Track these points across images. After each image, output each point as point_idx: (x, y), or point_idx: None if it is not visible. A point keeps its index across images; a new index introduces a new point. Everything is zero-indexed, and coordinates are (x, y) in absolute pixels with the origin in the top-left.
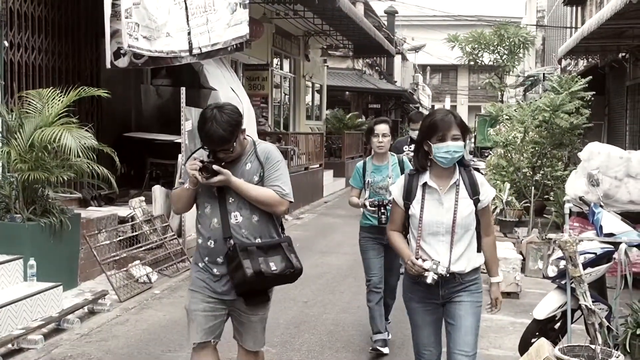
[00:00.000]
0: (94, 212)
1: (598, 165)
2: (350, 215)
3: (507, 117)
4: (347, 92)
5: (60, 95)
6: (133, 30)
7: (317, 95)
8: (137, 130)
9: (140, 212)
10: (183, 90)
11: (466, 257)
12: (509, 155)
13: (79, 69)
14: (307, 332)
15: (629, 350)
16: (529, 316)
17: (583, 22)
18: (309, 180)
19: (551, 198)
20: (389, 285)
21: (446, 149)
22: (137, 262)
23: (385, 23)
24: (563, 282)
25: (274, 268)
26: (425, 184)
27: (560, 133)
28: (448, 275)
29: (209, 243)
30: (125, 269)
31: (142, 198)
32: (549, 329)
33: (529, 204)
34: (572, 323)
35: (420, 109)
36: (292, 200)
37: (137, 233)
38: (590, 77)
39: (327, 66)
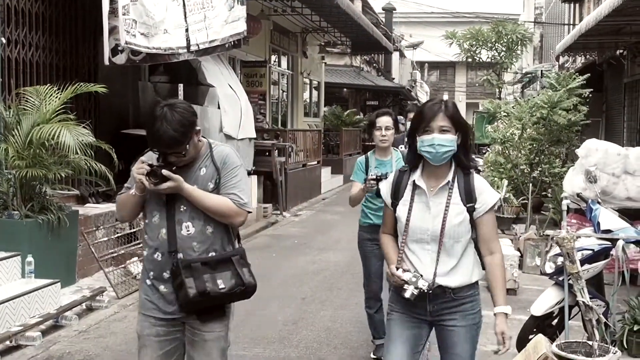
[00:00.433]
0: (91, 209)
1: (596, 162)
2: (348, 212)
3: (505, 114)
4: (345, 89)
5: (58, 92)
6: (130, 27)
7: (314, 92)
8: (134, 127)
9: None
10: (181, 87)
11: (459, 271)
12: (507, 152)
13: (76, 66)
14: (305, 328)
15: (626, 347)
16: (527, 313)
17: (581, 19)
18: (306, 177)
19: (549, 195)
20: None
21: (430, 142)
22: (135, 258)
23: (383, 20)
24: (561, 278)
25: (222, 286)
26: (414, 183)
27: (558, 130)
28: (430, 291)
29: (155, 256)
30: (123, 265)
31: None
32: (546, 325)
33: (526, 201)
34: (569, 319)
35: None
36: (251, 210)
37: (134, 230)
38: (588, 74)
39: (325, 63)
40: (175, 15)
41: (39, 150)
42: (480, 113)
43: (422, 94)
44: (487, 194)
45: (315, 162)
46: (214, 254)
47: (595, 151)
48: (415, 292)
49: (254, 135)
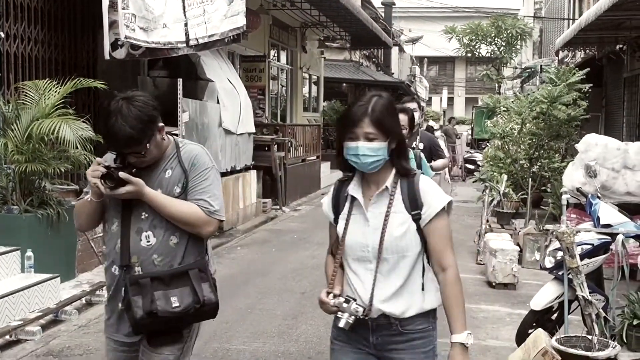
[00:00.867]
0: None
1: (595, 157)
2: None
3: (505, 109)
4: (344, 84)
5: (57, 87)
6: (130, 22)
7: (314, 87)
8: None
9: None
10: (180, 81)
11: (405, 295)
12: (506, 147)
13: (75, 61)
14: (304, 323)
15: (625, 341)
16: (526, 307)
17: (580, 14)
18: (306, 172)
19: (548, 190)
20: None
21: (354, 151)
22: None
23: (383, 14)
24: (560, 273)
25: (175, 305)
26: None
27: (557, 125)
28: (366, 317)
29: (113, 269)
30: None
31: None
32: (546, 319)
33: (526, 196)
34: (569, 314)
35: (420, 104)
36: (223, 218)
37: None
38: (588, 69)
39: (324, 58)
40: (175, 10)
41: (38, 145)
42: (480, 108)
43: (422, 89)
44: (434, 197)
45: (315, 157)
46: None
47: (594, 146)
48: (351, 320)
49: (253, 130)
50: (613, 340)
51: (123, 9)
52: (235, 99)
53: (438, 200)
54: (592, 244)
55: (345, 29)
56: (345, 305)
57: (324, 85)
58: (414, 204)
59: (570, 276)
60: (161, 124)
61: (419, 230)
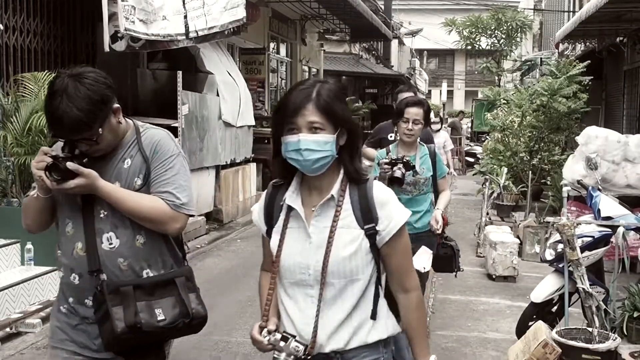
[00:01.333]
0: None
1: (596, 150)
2: None
3: (505, 102)
4: (343, 77)
5: None
6: (129, 14)
7: None
8: (133, 115)
9: None
10: (179, 74)
11: (352, 325)
12: (506, 139)
13: (74, 53)
14: None
15: (625, 333)
16: (526, 300)
17: (581, 6)
18: None
19: (548, 182)
20: None
21: (295, 146)
22: None
23: (382, 7)
24: (561, 265)
25: (160, 317)
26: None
27: (557, 117)
28: (309, 357)
29: (72, 278)
30: None
31: None
32: (546, 312)
33: (526, 188)
34: (569, 306)
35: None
36: (193, 212)
37: None
38: (588, 61)
39: (324, 50)
40: (174, 2)
41: (37, 138)
42: (480, 101)
43: (421, 82)
44: (394, 209)
45: None
46: (149, 272)
47: (595, 138)
48: (290, 359)
49: (253, 123)
50: (613, 333)
51: (122, 0)
52: (234, 91)
53: (399, 213)
54: (593, 237)
55: (344, 22)
56: (282, 343)
57: (323, 78)
58: (367, 216)
59: (570, 268)
60: (116, 105)
61: (373, 248)
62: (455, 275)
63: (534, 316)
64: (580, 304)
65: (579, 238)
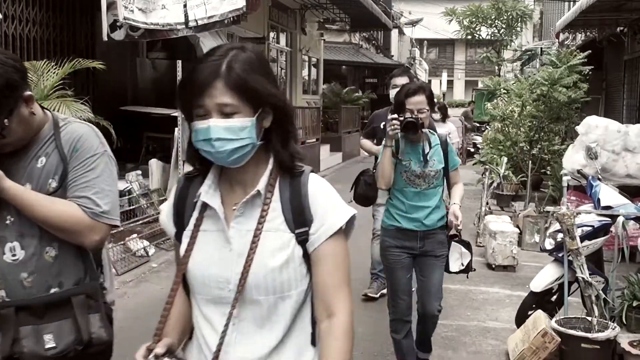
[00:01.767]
0: None
1: (596, 139)
2: (348, 189)
3: (505, 91)
4: (343, 67)
5: (56, 68)
6: (128, 2)
7: (313, 70)
8: (133, 104)
9: (137, 185)
10: (179, 63)
11: (286, 354)
12: (506, 129)
13: (74, 42)
14: None
15: (625, 323)
16: (526, 289)
17: None
18: (305, 154)
19: (548, 172)
20: (426, 311)
21: (205, 135)
22: (135, 235)
23: None
24: (560, 254)
25: (50, 345)
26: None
27: (558, 107)
28: None
29: None
30: (122, 242)
31: (139, 172)
32: (545, 301)
33: (526, 178)
34: (568, 295)
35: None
36: (116, 222)
37: (134, 207)
38: (589, 51)
39: (324, 40)
40: None
41: None
42: (480, 90)
43: (421, 72)
44: (330, 208)
45: (314, 140)
46: (56, 290)
47: (595, 128)
48: None
49: None
50: (612, 322)
51: None
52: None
53: (335, 213)
54: (593, 226)
55: (345, 11)
56: None
57: (323, 68)
58: (299, 218)
59: (570, 258)
60: (28, 93)
61: (307, 257)
62: (467, 277)
63: (534, 305)
64: (579, 293)
65: (578, 227)
